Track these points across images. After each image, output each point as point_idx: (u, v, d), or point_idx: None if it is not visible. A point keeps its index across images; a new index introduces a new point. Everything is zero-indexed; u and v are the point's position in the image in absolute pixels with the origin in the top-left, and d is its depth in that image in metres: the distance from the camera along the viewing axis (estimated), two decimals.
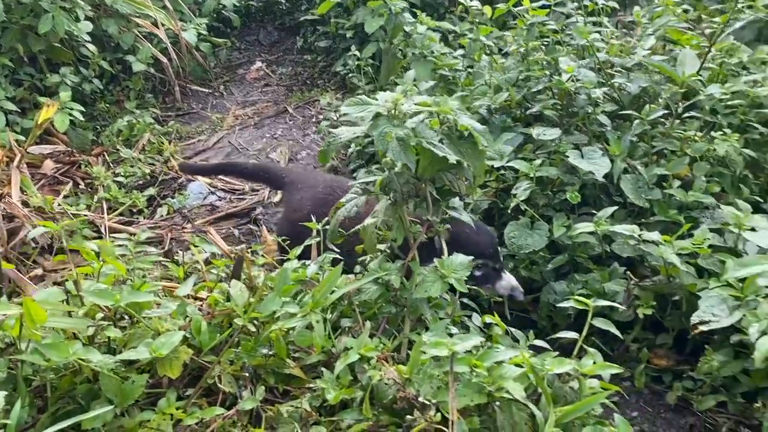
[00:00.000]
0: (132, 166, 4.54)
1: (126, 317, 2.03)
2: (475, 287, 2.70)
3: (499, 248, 2.87)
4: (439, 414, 1.84)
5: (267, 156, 5.04)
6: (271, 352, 2.09)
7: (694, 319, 2.28)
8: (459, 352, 1.87)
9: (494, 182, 3.29)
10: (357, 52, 5.15)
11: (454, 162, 2.15)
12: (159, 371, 1.86)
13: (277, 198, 4.47)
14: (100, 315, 1.95)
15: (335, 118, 5.30)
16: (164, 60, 5.46)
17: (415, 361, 1.96)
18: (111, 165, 4.65)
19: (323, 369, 2.08)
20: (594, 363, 2.05)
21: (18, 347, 1.74)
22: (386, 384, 1.97)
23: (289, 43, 6.93)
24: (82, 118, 4.52)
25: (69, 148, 4.62)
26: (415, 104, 2.22)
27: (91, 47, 4.83)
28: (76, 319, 1.75)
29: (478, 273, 2.78)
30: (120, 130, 4.86)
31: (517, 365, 1.98)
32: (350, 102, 2.15)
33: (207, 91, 6.10)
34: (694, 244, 2.61)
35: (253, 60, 6.73)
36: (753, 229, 2.57)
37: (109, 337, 1.90)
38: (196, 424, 1.87)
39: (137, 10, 5.35)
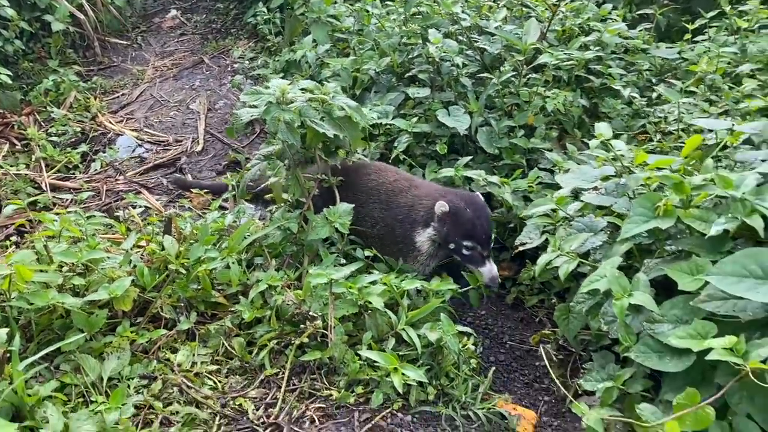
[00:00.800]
0: (63, 125, 4.95)
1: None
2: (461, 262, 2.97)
3: (491, 237, 2.95)
4: (323, 323, 2.59)
5: (188, 107, 5.51)
6: (199, 287, 2.78)
7: (517, 241, 3.07)
8: (337, 279, 2.60)
9: (383, 136, 3.95)
10: (265, 9, 5.58)
11: (332, 136, 2.80)
12: (115, 306, 2.52)
13: (199, 148, 5.01)
14: (65, 268, 2.58)
15: (247, 66, 5.80)
16: (81, 16, 5.74)
17: (307, 286, 2.68)
18: (42, 124, 5.05)
19: (241, 297, 2.79)
20: (440, 281, 2.85)
21: (7, 296, 2.36)
22: (288, 304, 2.70)
23: None
24: (10, 82, 4.86)
25: (0, 110, 4.98)
26: (300, 89, 2.85)
27: (10, 11, 5.09)
28: (52, 274, 2.37)
29: (466, 252, 2.92)
30: (48, 90, 5.21)
31: (385, 284, 2.75)
32: (247, 92, 2.76)
33: (126, 43, 6.40)
34: (528, 184, 3.41)
35: (168, 8, 7.01)
36: (568, 170, 3.36)
37: (74, 284, 2.53)
38: (146, 342, 2.57)
39: None
